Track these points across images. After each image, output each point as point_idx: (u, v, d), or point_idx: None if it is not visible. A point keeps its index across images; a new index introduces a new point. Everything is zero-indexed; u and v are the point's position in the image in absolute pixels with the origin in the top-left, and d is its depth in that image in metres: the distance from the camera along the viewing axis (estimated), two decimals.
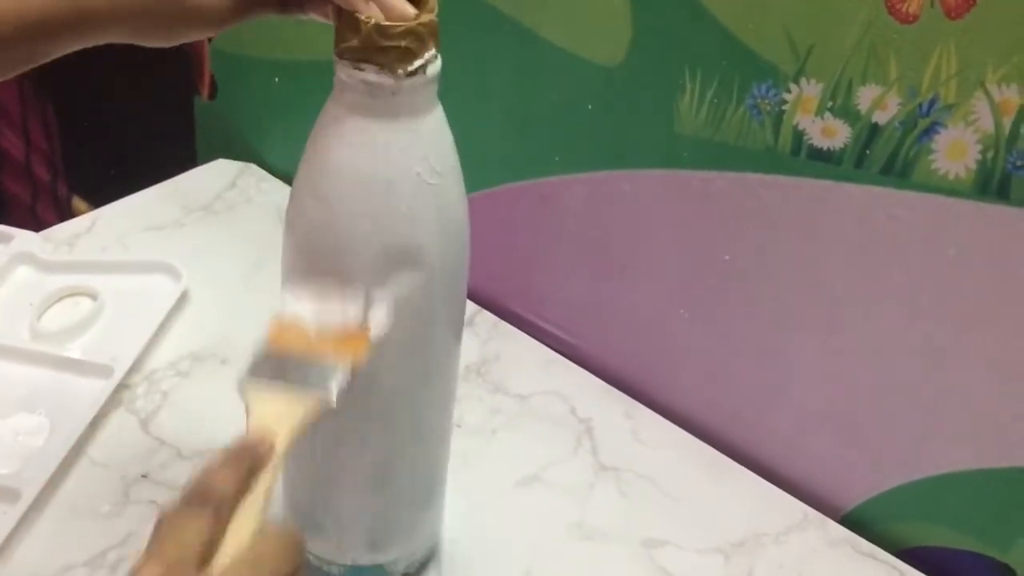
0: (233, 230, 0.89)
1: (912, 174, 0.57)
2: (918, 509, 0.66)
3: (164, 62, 1.01)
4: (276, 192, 0.94)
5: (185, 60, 1.00)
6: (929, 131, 0.55)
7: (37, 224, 0.86)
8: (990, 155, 0.54)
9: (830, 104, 0.58)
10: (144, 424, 0.69)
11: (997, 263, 0.56)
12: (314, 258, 0.47)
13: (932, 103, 0.54)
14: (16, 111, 1.24)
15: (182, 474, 0.65)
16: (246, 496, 0.38)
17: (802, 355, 0.67)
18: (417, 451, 0.54)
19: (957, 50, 0.52)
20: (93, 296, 0.78)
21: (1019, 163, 0.53)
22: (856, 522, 0.68)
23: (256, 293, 0.81)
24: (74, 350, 0.73)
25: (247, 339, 0.75)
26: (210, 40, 0.96)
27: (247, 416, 0.41)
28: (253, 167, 0.97)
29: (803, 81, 0.58)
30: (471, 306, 0.81)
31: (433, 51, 0.43)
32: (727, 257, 0.67)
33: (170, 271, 0.81)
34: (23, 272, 0.81)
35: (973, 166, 0.54)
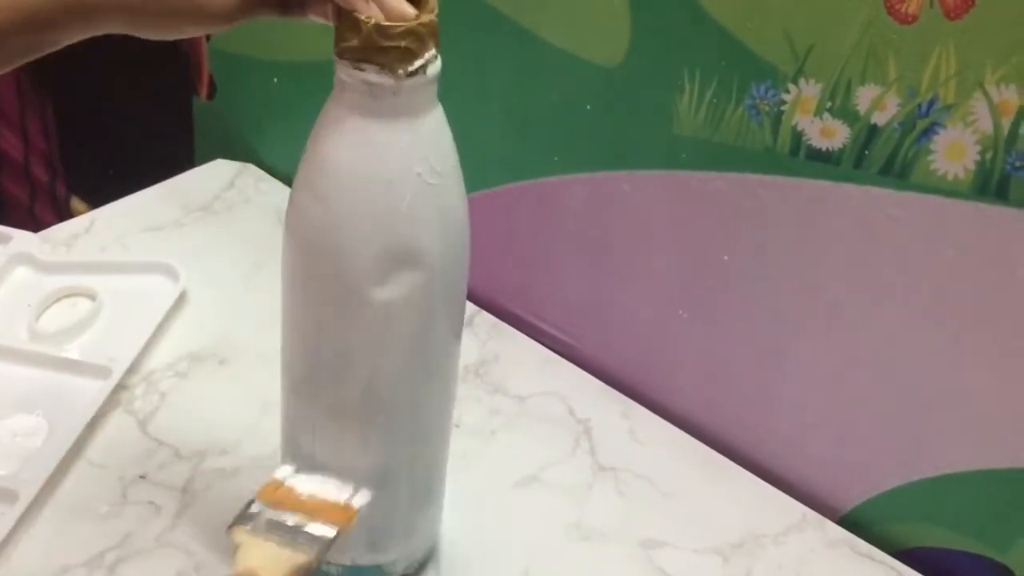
0: (232, 230, 0.89)
1: (911, 175, 0.57)
2: (917, 510, 0.66)
3: (163, 62, 1.01)
4: (275, 192, 0.94)
5: (184, 60, 1.00)
6: (928, 132, 0.55)
7: (35, 224, 0.86)
8: (989, 156, 0.54)
9: (829, 104, 0.58)
10: (142, 425, 0.68)
11: (996, 264, 0.56)
12: (314, 258, 0.47)
13: (931, 104, 0.54)
14: (14, 111, 1.24)
15: (180, 475, 0.65)
16: None
17: (801, 355, 0.67)
18: (416, 452, 0.54)
19: (956, 51, 0.52)
20: (91, 297, 0.78)
21: (1018, 164, 0.53)
22: (855, 523, 0.68)
23: (255, 293, 0.81)
24: (72, 351, 0.73)
25: (246, 339, 0.76)
26: (208, 40, 0.96)
27: (233, 559, 0.43)
28: (252, 167, 0.97)
29: (802, 81, 0.58)
30: (470, 307, 0.81)
31: (433, 51, 0.43)
32: (726, 257, 0.67)
33: (169, 271, 0.81)
34: (21, 272, 0.80)
35: (972, 167, 0.54)
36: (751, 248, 0.66)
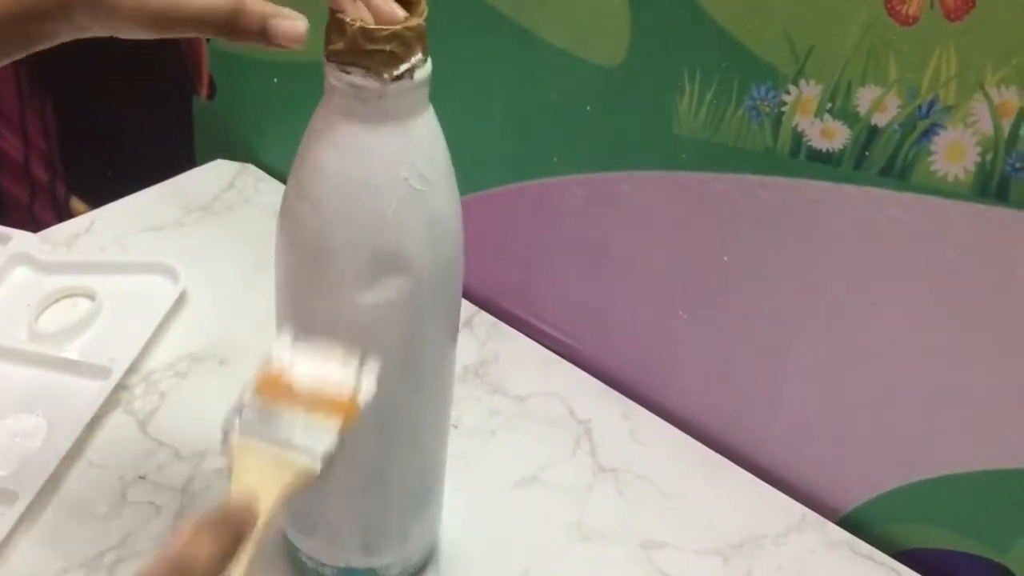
0: (231, 231, 0.89)
1: (911, 176, 0.57)
2: (917, 511, 0.66)
3: (163, 62, 1.01)
4: (274, 193, 0.94)
5: (184, 60, 1.00)
6: (928, 133, 0.55)
7: (35, 224, 0.85)
8: (989, 157, 0.54)
9: (829, 106, 0.58)
10: (142, 425, 0.68)
11: (996, 265, 0.56)
12: (303, 261, 0.47)
13: (931, 105, 0.54)
14: (14, 111, 1.24)
15: (180, 475, 0.65)
16: (226, 570, 0.36)
17: (801, 356, 0.67)
18: (410, 458, 0.54)
19: (957, 52, 0.52)
20: (91, 297, 0.78)
21: (1018, 165, 0.53)
22: (855, 524, 0.68)
23: (255, 294, 0.81)
24: (72, 351, 0.73)
25: (246, 340, 0.76)
26: (208, 40, 0.96)
27: (231, 472, 0.39)
28: (251, 167, 0.97)
29: (802, 82, 0.58)
30: (469, 307, 0.81)
31: (420, 56, 0.43)
32: (726, 258, 0.67)
33: (168, 272, 0.81)
34: (21, 273, 0.80)
35: (972, 168, 0.54)
36: (751, 249, 0.66)
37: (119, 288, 0.79)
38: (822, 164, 0.60)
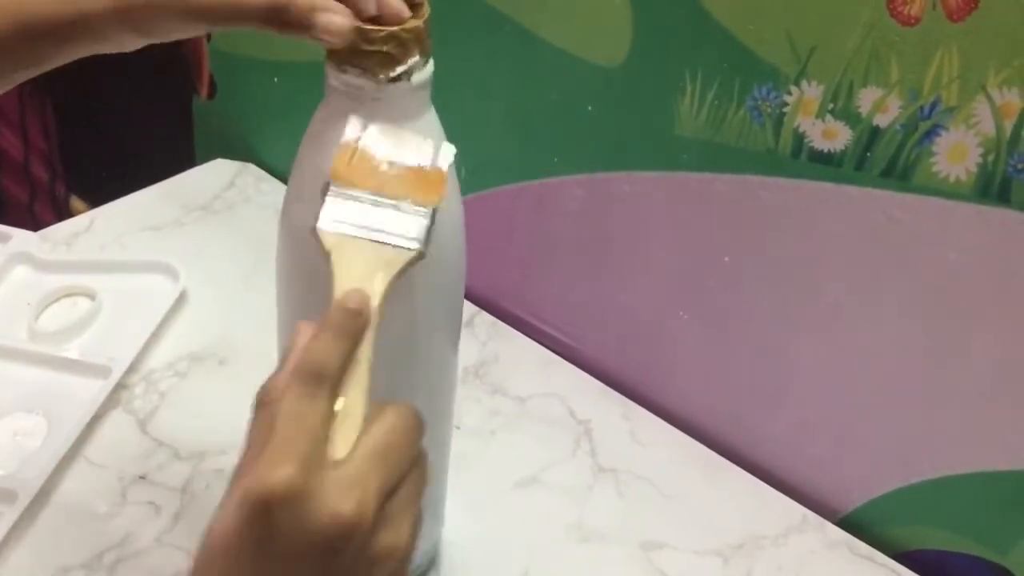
0: (231, 230, 0.89)
1: (913, 177, 0.57)
2: (917, 512, 0.66)
3: (163, 62, 1.01)
4: (275, 192, 0.94)
5: (184, 60, 0.99)
6: (930, 134, 0.55)
7: (35, 224, 0.85)
8: (991, 158, 0.54)
9: (831, 106, 0.58)
10: (142, 424, 0.68)
11: (997, 266, 0.56)
12: (303, 261, 0.47)
13: (933, 106, 0.54)
14: (14, 111, 1.24)
15: (180, 475, 0.65)
16: (352, 368, 0.35)
17: (801, 357, 0.67)
18: None
19: (959, 53, 0.52)
20: (91, 296, 0.78)
21: (1020, 166, 0.53)
22: (855, 524, 0.68)
23: (255, 293, 0.81)
24: (72, 350, 0.73)
25: (246, 339, 0.75)
26: (209, 40, 0.96)
27: (332, 270, 0.37)
28: (251, 167, 0.97)
29: (804, 83, 0.58)
30: (470, 307, 0.81)
31: (418, 58, 0.42)
32: (726, 259, 0.67)
33: (168, 271, 0.81)
34: (21, 272, 0.80)
35: (974, 169, 0.54)
36: (752, 249, 0.66)
37: (119, 287, 0.79)
38: (823, 165, 0.60)
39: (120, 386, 0.70)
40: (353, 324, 0.36)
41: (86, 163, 1.21)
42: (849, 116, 0.57)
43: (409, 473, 0.35)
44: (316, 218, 0.39)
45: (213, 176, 0.96)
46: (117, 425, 0.68)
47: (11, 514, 0.59)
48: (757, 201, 0.63)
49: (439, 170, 0.41)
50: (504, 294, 0.82)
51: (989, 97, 0.52)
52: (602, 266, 0.75)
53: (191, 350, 0.75)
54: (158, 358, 0.74)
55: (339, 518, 0.32)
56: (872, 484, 0.67)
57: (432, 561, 0.61)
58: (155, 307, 0.77)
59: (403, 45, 0.42)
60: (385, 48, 0.41)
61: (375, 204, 0.40)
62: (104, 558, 0.59)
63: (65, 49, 0.43)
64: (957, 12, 0.51)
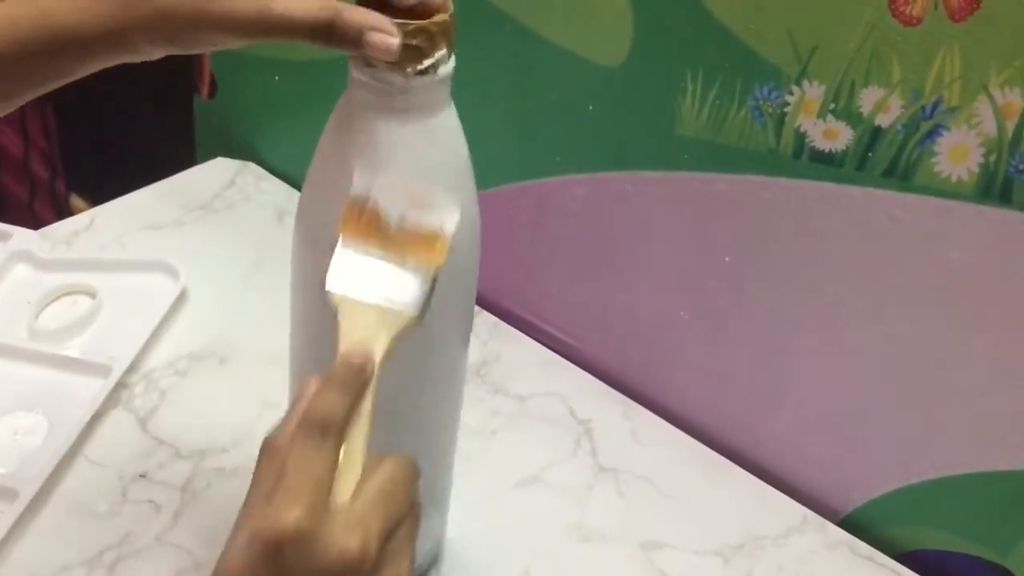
0: (232, 229, 0.89)
1: (914, 177, 0.57)
2: (917, 512, 0.66)
3: (164, 60, 1.01)
4: (275, 191, 0.94)
5: (185, 58, 0.99)
6: (932, 134, 0.55)
7: (35, 222, 0.85)
8: (993, 158, 0.54)
9: (832, 106, 0.58)
10: (142, 423, 0.68)
11: (998, 266, 0.56)
12: (319, 254, 0.47)
13: (935, 106, 0.54)
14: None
15: (180, 473, 0.65)
16: (355, 420, 0.37)
17: (802, 357, 0.67)
18: (419, 460, 0.54)
19: (961, 53, 0.52)
20: (91, 294, 0.78)
21: (1021, 167, 0.53)
22: (855, 525, 0.68)
23: (255, 292, 0.81)
24: (72, 349, 0.73)
25: (246, 338, 0.75)
26: None
27: (339, 326, 0.40)
28: (252, 166, 0.97)
29: (805, 83, 0.58)
30: None
31: (444, 51, 0.43)
32: (727, 259, 0.67)
33: (168, 270, 0.81)
34: (21, 270, 0.80)
35: (976, 169, 0.54)
36: (753, 250, 0.66)
37: (119, 286, 0.79)
38: (825, 165, 0.60)
39: (120, 385, 0.70)
40: (357, 380, 0.38)
41: (86, 161, 1.20)
42: (850, 116, 0.57)
43: (406, 518, 0.38)
44: (328, 276, 0.41)
45: (213, 175, 0.96)
46: (117, 424, 0.68)
47: (12, 513, 0.59)
48: (758, 201, 0.63)
49: (444, 235, 0.42)
50: (505, 294, 0.82)
51: (991, 97, 0.52)
52: (603, 266, 0.75)
53: (191, 349, 0.75)
54: (158, 357, 0.74)
55: (346, 554, 0.34)
56: (872, 484, 0.67)
57: (435, 558, 0.61)
58: (155, 306, 0.77)
59: (432, 39, 0.42)
60: (414, 42, 0.41)
61: (381, 261, 0.41)
62: (104, 556, 0.59)
63: (92, 61, 0.42)
64: (959, 12, 0.51)
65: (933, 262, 0.58)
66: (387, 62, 0.42)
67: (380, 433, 0.51)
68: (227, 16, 0.40)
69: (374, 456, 0.38)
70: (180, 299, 0.79)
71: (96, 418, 0.67)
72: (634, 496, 0.68)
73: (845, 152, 0.59)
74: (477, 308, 0.81)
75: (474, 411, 0.73)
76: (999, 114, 0.52)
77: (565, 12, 0.67)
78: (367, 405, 0.38)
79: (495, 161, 0.77)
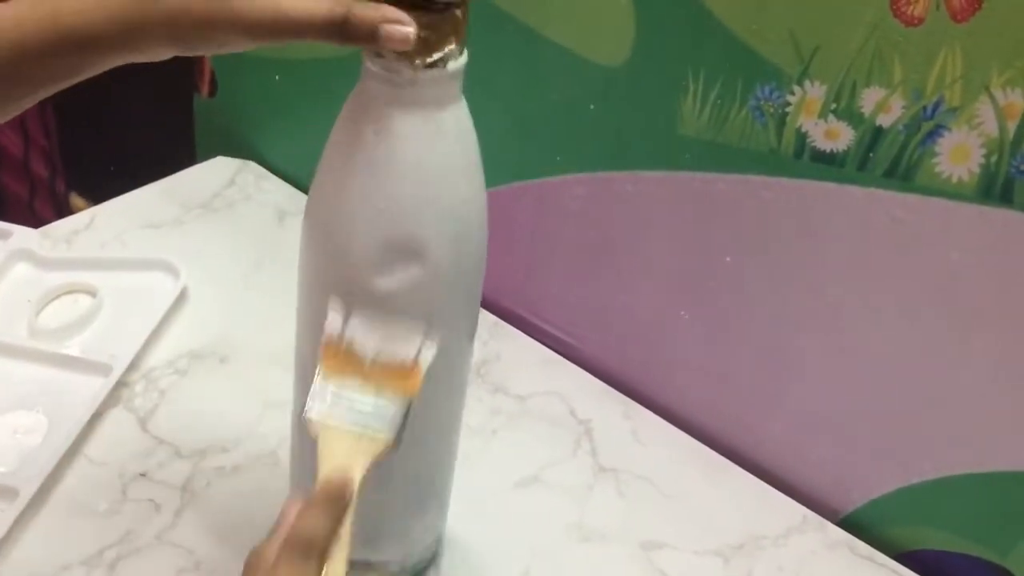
0: (232, 228, 0.89)
1: (915, 177, 0.57)
2: (917, 512, 0.66)
3: (164, 59, 1.00)
4: (275, 190, 0.94)
5: (185, 57, 0.99)
6: (933, 134, 0.55)
7: (35, 221, 0.85)
8: (994, 159, 0.54)
9: (834, 106, 0.58)
10: (142, 422, 0.68)
11: (999, 267, 0.56)
12: (328, 246, 0.47)
13: (936, 106, 0.54)
14: None
15: (180, 473, 0.65)
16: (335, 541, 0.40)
17: (803, 357, 0.67)
18: (421, 457, 0.54)
19: (962, 53, 0.52)
20: (92, 293, 0.78)
21: (1022, 167, 0.53)
22: (855, 525, 0.68)
23: (255, 291, 0.81)
24: (72, 347, 0.73)
25: (246, 337, 0.75)
26: None
27: (320, 453, 0.43)
28: (252, 164, 0.97)
29: (807, 83, 0.58)
30: None
31: (454, 46, 0.43)
32: (728, 259, 0.67)
33: (169, 269, 0.81)
34: (21, 269, 0.80)
35: (977, 170, 0.54)
36: (754, 249, 0.66)
37: (120, 285, 0.79)
38: (826, 165, 0.60)
39: (120, 384, 0.70)
40: (338, 503, 0.40)
41: (86, 160, 1.20)
42: (852, 116, 0.57)
43: None
44: (308, 408, 0.44)
45: (214, 174, 0.96)
46: (117, 423, 0.68)
47: (12, 511, 0.59)
48: (759, 201, 0.63)
49: (418, 366, 0.45)
50: (505, 293, 0.82)
51: (992, 98, 0.52)
52: (603, 265, 0.75)
53: (191, 348, 0.75)
54: (158, 356, 0.74)
55: None
56: (872, 484, 0.67)
57: (434, 556, 0.61)
58: (155, 305, 0.77)
59: (441, 32, 0.42)
60: (423, 34, 0.42)
61: (357, 394, 0.44)
62: (105, 555, 0.59)
63: (100, 62, 0.42)
64: (961, 12, 0.51)
65: (934, 262, 0.58)
66: (396, 52, 0.42)
67: None
68: (237, 17, 0.40)
69: None
70: (180, 298, 0.79)
71: (96, 417, 0.67)
72: (634, 496, 0.68)
73: (846, 152, 0.59)
74: None
75: (474, 410, 0.73)
76: (1000, 115, 0.52)
77: (566, 12, 0.67)
78: (347, 527, 0.40)
79: (496, 160, 0.76)
